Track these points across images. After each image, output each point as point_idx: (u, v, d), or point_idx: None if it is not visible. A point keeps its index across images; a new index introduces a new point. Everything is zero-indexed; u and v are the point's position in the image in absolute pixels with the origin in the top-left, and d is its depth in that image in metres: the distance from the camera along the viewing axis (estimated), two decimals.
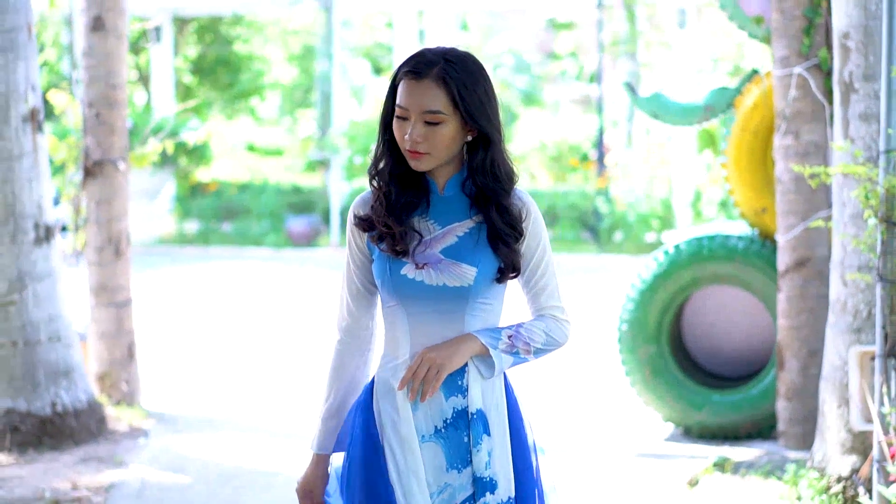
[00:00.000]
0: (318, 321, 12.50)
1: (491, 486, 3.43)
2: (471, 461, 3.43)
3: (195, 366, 10.47)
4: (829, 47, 7.22)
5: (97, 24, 8.49)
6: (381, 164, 3.49)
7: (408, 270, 3.43)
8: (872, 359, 6.05)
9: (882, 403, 5.80)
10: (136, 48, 20.83)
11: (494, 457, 3.45)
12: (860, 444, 6.35)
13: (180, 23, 23.05)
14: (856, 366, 6.18)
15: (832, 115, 7.10)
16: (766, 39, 7.70)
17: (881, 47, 5.87)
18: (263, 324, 12.64)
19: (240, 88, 23.98)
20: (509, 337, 3.47)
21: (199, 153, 20.09)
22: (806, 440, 7.27)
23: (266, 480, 7.08)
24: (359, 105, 22.62)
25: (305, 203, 20.11)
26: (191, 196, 20.58)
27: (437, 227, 3.48)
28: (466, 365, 3.44)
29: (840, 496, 6.33)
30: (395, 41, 21.08)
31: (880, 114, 5.82)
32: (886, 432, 5.73)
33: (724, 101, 7.90)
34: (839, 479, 6.38)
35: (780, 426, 7.51)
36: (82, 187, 8.59)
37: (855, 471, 6.33)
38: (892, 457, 5.57)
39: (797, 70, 7.29)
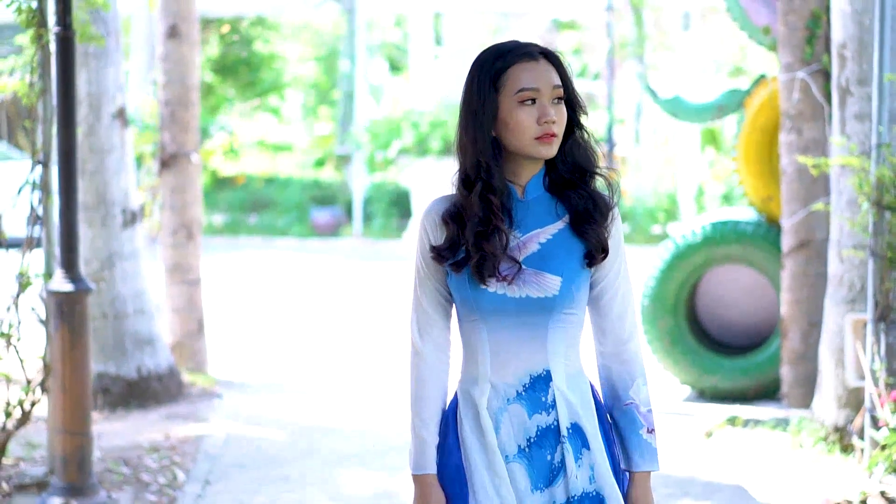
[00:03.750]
0: (351, 301, 13.52)
1: (598, 500, 3.26)
2: (556, 480, 3.25)
3: (250, 339, 11.46)
4: (829, 55, 7.97)
5: (172, 32, 9.45)
6: (486, 178, 3.22)
7: (489, 284, 3.22)
8: (865, 325, 6.98)
9: (873, 361, 6.74)
10: None
11: (597, 470, 3.26)
12: (854, 399, 7.28)
13: (204, 23, 23.87)
14: (850, 331, 7.12)
15: (831, 115, 7.81)
16: (773, 47, 8.60)
17: (873, 56, 6.70)
18: (302, 302, 13.63)
19: (260, 87, 24.78)
20: (649, 431, 3.32)
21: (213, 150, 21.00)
22: (806, 400, 8.09)
23: (337, 432, 8.06)
24: (377, 103, 23.50)
25: (328, 196, 21.09)
26: (217, 189, 21.50)
27: (519, 236, 3.26)
28: (551, 380, 3.26)
29: (836, 443, 7.29)
30: (412, 41, 22.02)
31: (872, 114, 6.68)
32: (877, 385, 6.67)
33: (734, 102, 8.83)
34: (836, 429, 7.33)
35: (784, 388, 8.32)
36: (159, 177, 9.56)
37: (850, 421, 7.28)
38: (882, 405, 6.53)
39: (800, 75, 8.14)
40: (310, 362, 10.50)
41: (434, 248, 3.27)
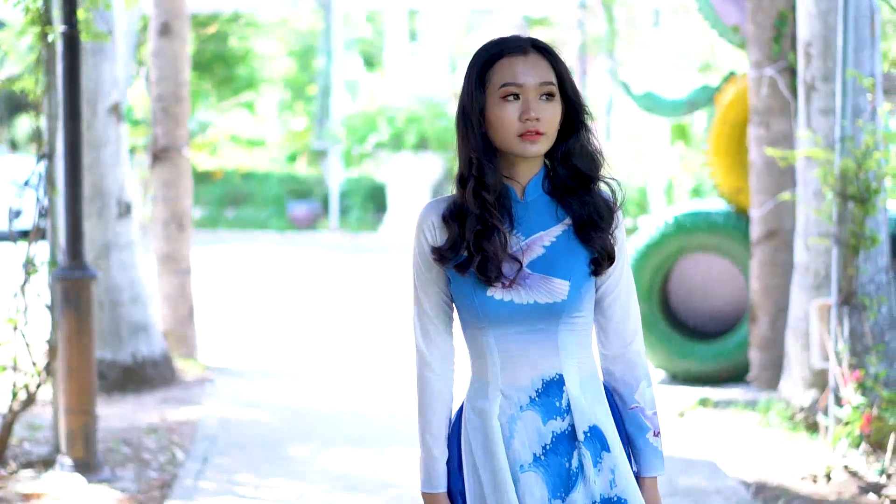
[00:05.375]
0: (331, 291, 13.88)
1: None
2: (575, 487, 3.11)
3: (237, 327, 11.81)
4: (795, 53, 8.33)
5: (164, 30, 9.77)
6: (480, 175, 3.10)
7: (494, 291, 3.09)
8: (829, 310, 7.35)
9: (837, 344, 7.10)
10: (138, 43, 21.96)
11: (618, 473, 3.13)
12: (819, 381, 7.67)
13: None
14: (815, 316, 7.50)
15: (797, 110, 8.15)
16: (742, 45, 8.98)
17: (837, 54, 7.05)
18: (285, 292, 13.98)
19: (237, 84, 25.01)
20: (655, 434, 3.21)
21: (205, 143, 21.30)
22: (774, 382, 8.48)
23: (328, 415, 8.41)
24: (352, 99, 23.85)
25: (305, 190, 21.46)
26: (195, 183, 21.79)
27: (521, 239, 3.12)
28: (564, 384, 3.12)
29: (803, 422, 7.68)
30: (387, 38, 22.36)
31: (836, 108, 7.01)
32: (840, 366, 7.05)
33: (706, 98, 9.23)
34: (802, 409, 7.72)
35: (753, 371, 8.72)
36: (150, 171, 9.88)
37: (815, 401, 7.67)
38: (846, 384, 6.91)
39: (768, 72, 8.52)
40: (297, 349, 10.87)
41: (436, 250, 3.13)
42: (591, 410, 3.13)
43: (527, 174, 3.14)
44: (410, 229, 19.65)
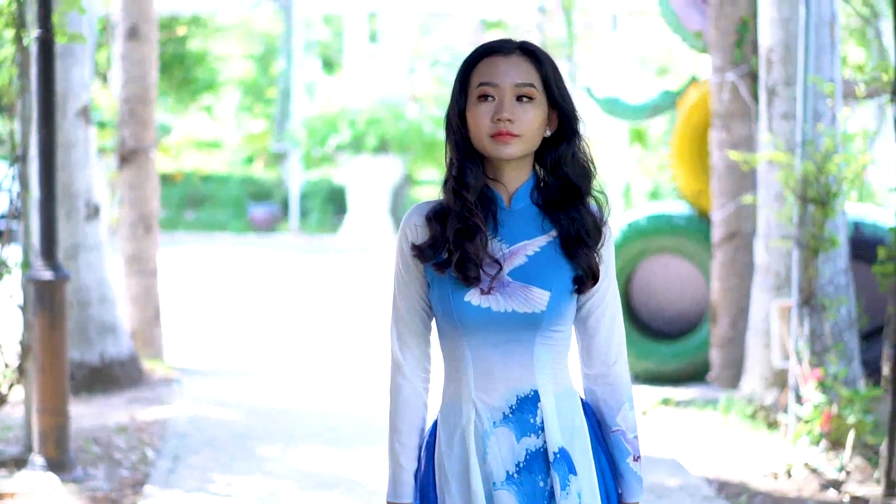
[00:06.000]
0: (293, 292, 13.97)
1: None
2: None
3: (202, 328, 11.89)
4: (757, 59, 8.51)
5: (132, 33, 9.84)
6: (460, 175, 3.05)
7: (472, 297, 3.02)
8: (790, 310, 7.52)
9: (797, 343, 7.28)
10: (98, 45, 21.97)
11: (585, 497, 3.05)
12: (779, 379, 7.83)
13: None
14: (776, 316, 7.67)
15: (758, 114, 8.33)
16: (704, 50, 9.15)
17: (798, 60, 7.26)
18: (247, 294, 14.06)
19: (195, 86, 25.07)
20: (635, 459, 3.15)
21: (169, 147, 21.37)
22: (734, 382, 8.64)
23: (295, 413, 8.51)
24: (311, 101, 23.93)
25: (264, 192, 21.55)
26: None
27: (505, 246, 3.05)
28: (539, 400, 3.03)
29: (763, 420, 7.84)
30: (346, 40, 22.47)
31: (797, 113, 7.22)
32: (800, 365, 7.22)
33: (668, 102, 9.40)
34: (762, 407, 7.89)
35: (713, 371, 8.91)
36: (118, 172, 9.94)
37: (775, 400, 7.84)
38: (806, 382, 7.07)
39: (730, 77, 8.70)
40: (262, 349, 10.97)
41: (416, 247, 3.06)
42: (563, 430, 3.06)
43: (514, 181, 3.08)
44: (370, 231, 19.85)
